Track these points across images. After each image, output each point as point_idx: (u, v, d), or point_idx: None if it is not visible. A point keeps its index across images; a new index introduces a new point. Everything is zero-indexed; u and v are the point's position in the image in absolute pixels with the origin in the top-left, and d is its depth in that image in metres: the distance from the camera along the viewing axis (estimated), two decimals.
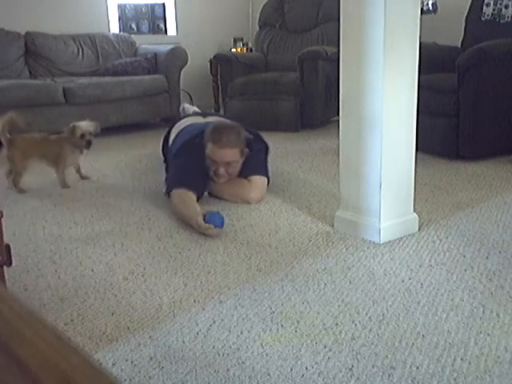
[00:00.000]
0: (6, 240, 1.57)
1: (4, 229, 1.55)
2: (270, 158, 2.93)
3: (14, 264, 1.69)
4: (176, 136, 2.96)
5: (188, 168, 2.61)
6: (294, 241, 2.14)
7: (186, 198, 2.46)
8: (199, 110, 3.81)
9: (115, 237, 2.25)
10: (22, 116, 3.12)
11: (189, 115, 3.42)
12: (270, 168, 2.85)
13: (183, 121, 3.21)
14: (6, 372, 0.34)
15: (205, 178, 2.63)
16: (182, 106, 4.05)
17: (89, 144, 2.96)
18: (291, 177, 3.08)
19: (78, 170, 3.13)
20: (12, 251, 1.60)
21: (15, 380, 0.33)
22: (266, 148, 2.90)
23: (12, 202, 2.79)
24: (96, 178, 3.21)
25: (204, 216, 2.20)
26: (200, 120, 3.15)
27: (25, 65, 4.74)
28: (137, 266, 1.96)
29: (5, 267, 1.59)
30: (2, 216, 1.52)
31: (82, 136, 2.92)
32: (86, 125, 2.95)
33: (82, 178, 3.13)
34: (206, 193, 2.67)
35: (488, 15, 3.71)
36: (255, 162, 2.73)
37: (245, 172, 2.68)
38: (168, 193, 2.57)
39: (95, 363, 0.36)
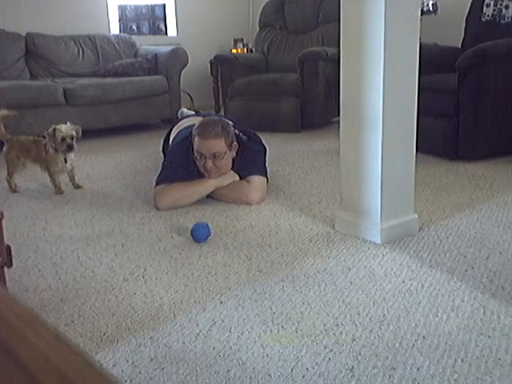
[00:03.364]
0: (6, 241, 1.57)
1: (4, 230, 1.55)
2: (270, 159, 2.93)
3: (14, 265, 1.69)
4: (174, 137, 3.00)
5: (178, 165, 2.67)
6: (294, 241, 2.14)
7: (184, 183, 2.62)
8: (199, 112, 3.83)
9: (116, 237, 2.25)
10: (14, 113, 3.09)
11: (188, 116, 3.43)
12: (268, 169, 2.85)
13: (183, 121, 3.22)
14: (6, 373, 0.34)
15: (194, 176, 2.66)
16: (180, 111, 4.07)
17: (69, 148, 2.83)
18: (292, 177, 3.08)
19: (72, 179, 3.00)
20: (12, 252, 1.60)
21: (16, 381, 0.33)
22: (264, 150, 2.91)
23: (13, 203, 2.79)
24: (96, 178, 3.21)
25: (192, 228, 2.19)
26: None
27: (25, 66, 4.74)
28: (137, 266, 1.95)
29: (5, 268, 1.59)
30: (3, 217, 1.52)
31: (63, 140, 2.81)
32: (66, 128, 2.83)
33: (75, 187, 2.99)
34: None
35: (488, 16, 3.71)
36: (253, 163, 2.74)
37: (243, 173, 2.69)
38: (156, 185, 2.64)
39: (96, 364, 0.36)
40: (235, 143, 2.67)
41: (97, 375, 0.35)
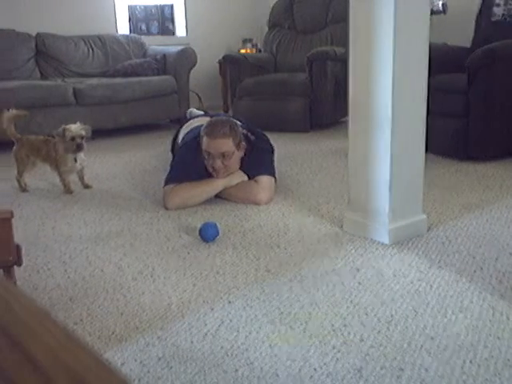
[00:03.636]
0: (16, 240, 1.58)
1: (14, 229, 1.56)
2: (278, 159, 2.93)
3: (24, 264, 1.70)
4: (183, 137, 3.01)
5: (187, 165, 2.68)
6: (302, 241, 2.14)
7: (193, 183, 2.63)
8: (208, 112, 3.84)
9: (124, 237, 2.26)
10: (24, 113, 3.11)
11: (197, 116, 3.44)
12: (277, 169, 2.85)
13: (192, 121, 3.23)
14: (19, 370, 0.34)
15: (203, 176, 2.66)
16: (189, 111, 4.08)
17: (79, 148, 2.84)
18: (300, 177, 3.08)
19: (81, 178, 3.01)
20: (22, 251, 1.61)
21: (28, 378, 0.33)
22: (272, 150, 2.91)
23: (22, 202, 2.81)
24: (105, 178, 3.23)
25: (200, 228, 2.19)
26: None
27: (35, 66, 4.77)
28: (146, 266, 1.96)
29: (15, 267, 1.60)
30: (13, 216, 1.53)
31: (73, 139, 2.82)
32: (76, 128, 2.84)
33: (84, 186, 3.00)
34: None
35: (498, 16, 3.69)
36: (262, 163, 2.74)
37: (252, 172, 2.69)
38: (165, 185, 2.65)
39: (105, 361, 0.37)
40: (243, 143, 2.68)
41: (108, 374, 0.35)
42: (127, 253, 2.09)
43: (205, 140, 2.61)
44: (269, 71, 5.02)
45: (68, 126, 2.84)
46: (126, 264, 1.98)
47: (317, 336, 1.47)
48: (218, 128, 2.61)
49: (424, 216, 2.19)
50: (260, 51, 5.68)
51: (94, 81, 4.60)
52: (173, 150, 3.28)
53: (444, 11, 4.41)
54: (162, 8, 5.78)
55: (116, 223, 2.43)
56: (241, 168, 2.69)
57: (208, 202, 2.63)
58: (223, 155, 2.59)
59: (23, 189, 2.99)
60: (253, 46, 5.84)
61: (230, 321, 1.56)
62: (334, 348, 1.41)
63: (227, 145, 2.59)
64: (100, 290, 1.78)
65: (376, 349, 1.40)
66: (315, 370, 1.32)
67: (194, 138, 2.76)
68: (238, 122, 2.85)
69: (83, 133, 2.85)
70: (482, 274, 1.80)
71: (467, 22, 3.96)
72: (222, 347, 1.43)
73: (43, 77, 4.76)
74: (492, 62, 3.06)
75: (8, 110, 3.00)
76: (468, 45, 3.85)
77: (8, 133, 2.97)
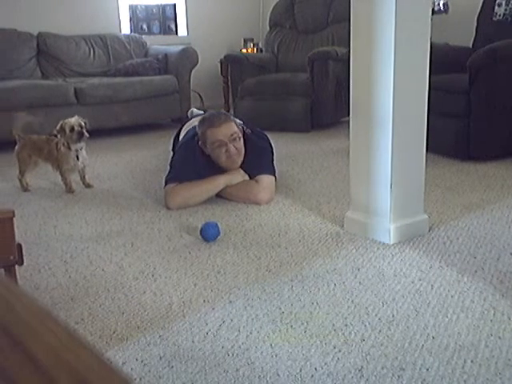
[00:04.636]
0: (17, 239, 1.58)
1: (16, 228, 1.56)
2: (279, 159, 2.93)
3: (25, 263, 1.70)
4: (184, 136, 3.02)
5: (186, 164, 2.70)
6: (303, 241, 2.14)
7: (193, 182, 2.63)
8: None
9: (126, 236, 2.26)
10: (37, 118, 3.14)
11: (198, 116, 3.44)
12: (278, 169, 2.85)
13: (193, 120, 3.23)
14: (20, 370, 0.34)
15: (203, 174, 2.67)
16: (190, 110, 4.09)
17: (80, 136, 2.84)
18: (301, 177, 3.08)
19: (83, 178, 3.01)
20: (23, 250, 1.61)
21: (30, 378, 0.33)
22: (272, 149, 2.91)
23: (24, 201, 2.81)
24: (106, 177, 3.23)
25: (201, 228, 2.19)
26: None
27: (37, 65, 4.78)
28: (147, 265, 1.96)
29: (16, 266, 1.60)
30: (14, 216, 1.54)
31: (72, 130, 2.82)
32: (74, 119, 2.86)
33: (86, 186, 3.01)
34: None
35: (500, 15, 3.68)
36: (262, 162, 2.74)
37: (253, 172, 2.69)
38: (165, 185, 2.66)
39: (108, 362, 0.37)
40: (240, 128, 2.74)
41: (108, 371, 0.35)
42: (128, 252, 2.09)
43: (210, 133, 2.62)
44: (270, 71, 5.02)
45: (66, 120, 2.86)
46: (127, 263, 1.98)
47: (318, 336, 1.47)
48: (217, 117, 2.68)
49: (425, 216, 2.19)
50: (261, 51, 5.68)
51: (96, 80, 4.60)
52: (174, 150, 3.29)
53: (445, 11, 4.41)
54: (163, 8, 5.79)
55: (117, 223, 2.43)
56: (242, 167, 2.70)
57: (209, 201, 2.64)
58: (234, 138, 2.62)
59: (25, 188, 2.99)
60: (254, 45, 5.84)
61: (231, 320, 1.56)
62: (334, 348, 1.41)
63: (233, 127, 2.65)
64: (101, 290, 1.78)
65: (377, 348, 1.40)
66: (316, 369, 1.32)
67: (193, 137, 2.76)
68: (238, 121, 2.86)
69: (82, 123, 2.86)
70: (483, 274, 1.80)
71: (469, 22, 3.96)
72: (222, 347, 1.43)
73: (44, 76, 4.77)
74: (494, 61, 3.06)
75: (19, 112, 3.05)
76: (469, 45, 3.85)
77: (14, 132, 2.99)
